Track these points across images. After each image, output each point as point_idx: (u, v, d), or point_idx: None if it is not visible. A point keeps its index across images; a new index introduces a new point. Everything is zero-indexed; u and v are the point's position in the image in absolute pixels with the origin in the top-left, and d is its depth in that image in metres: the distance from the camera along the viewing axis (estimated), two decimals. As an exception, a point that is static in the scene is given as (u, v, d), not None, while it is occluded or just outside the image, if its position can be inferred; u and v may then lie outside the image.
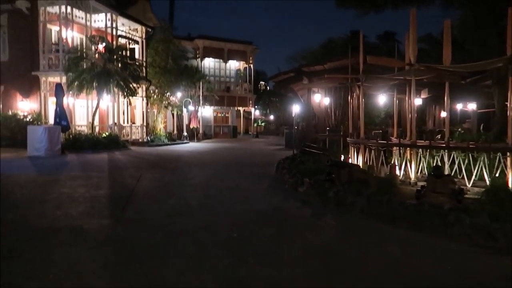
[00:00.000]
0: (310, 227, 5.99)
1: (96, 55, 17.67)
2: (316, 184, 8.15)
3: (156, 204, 7.28)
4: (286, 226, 6.01)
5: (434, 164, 8.81)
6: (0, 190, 7.95)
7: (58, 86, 15.85)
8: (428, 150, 8.97)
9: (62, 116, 15.75)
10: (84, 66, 16.97)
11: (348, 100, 12.37)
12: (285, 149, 21.06)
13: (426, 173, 9.01)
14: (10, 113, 18.04)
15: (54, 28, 18.82)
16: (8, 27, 18.60)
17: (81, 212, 6.51)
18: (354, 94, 13.26)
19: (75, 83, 16.40)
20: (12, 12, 18.36)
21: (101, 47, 17.92)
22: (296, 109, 17.17)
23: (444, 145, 8.54)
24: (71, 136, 17.09)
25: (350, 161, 10.57)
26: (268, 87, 61.68)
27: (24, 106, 18.50)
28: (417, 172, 8.96)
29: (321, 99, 15.99)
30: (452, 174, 8.27)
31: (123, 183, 9.47)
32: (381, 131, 13.64)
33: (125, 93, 17.87)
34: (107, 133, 18.32)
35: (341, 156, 12.14)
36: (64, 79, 17.43)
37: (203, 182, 9.75)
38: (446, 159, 8.74)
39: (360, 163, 10.15)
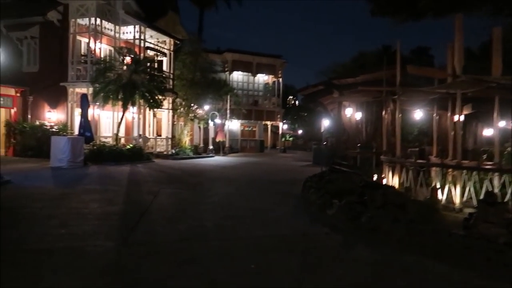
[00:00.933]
0: (340, 259, 5.16)
1: (124, 67, 17.55)
2: (347, 207, 7.32)
3: (170, 224, 6.65)
4: (313, 256, 5.22)
5: (482, 188, 7.80)
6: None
7: (84, 96, 15.76)
8: (475, 172, 7.95)
9: (86, 127, 15.61)
10: (110, 78, 16.84)
11: (381, 115, 11.47)
12: (313, 166, 20.18)
13: (472, 198, 7.99)
14: (37, 123, 18.15)
15: (84, 40, 18.95)
16: (39, 39, 18.87)
17: (86, 231, 5.96)
18: (388, 108, 12.33)
19: (101, 94, 16.27)
20: (43, 24, 18.62)
21: (128, 58, 17.83)
22: (325, 124, 16.36)
23: (494, 167, 7.52)
24: (95, 147, 16.92)
25: (384, 181, 9.63)
26: (297, 102, 61.07)
27: (51, 116, 18.59)
28: (462, 197, 7.95)
29: (352, 113, 15.11)
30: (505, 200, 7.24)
31: (139, 199, 8.93)
32: (417, 149, 12.62)
33: (150, 105, 17.61)
34: (131, 145, 18.07)
35: (373, 176, 11.21)
36: (91, 90, 17.38)
37: (223, 200, 9.09)
38: (496, 183, 7.71)
39: (396, 184, 9.21)
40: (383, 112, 10.82)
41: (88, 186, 10.45)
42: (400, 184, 9.15)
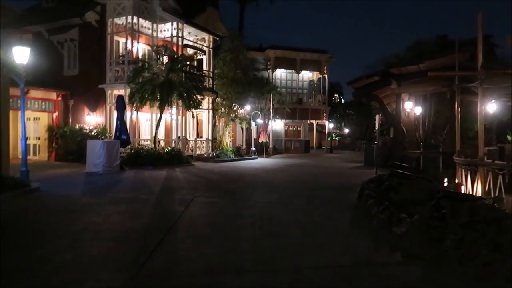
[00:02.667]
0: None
1: (162, 66, 16.71)
2: (421, 225, 5.70)
3: (197, 246, 5.38)
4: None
5: None
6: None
7: (119, 98, 15.06)
8: None
9: (123, 130, 14.88)
10: (147, 78, 16.06)
11: (452, 109, 9.62)
12: (364, 167, 18.33)
13: None
14: (77, 127, 17.80)
15: (122, 40, 18.40)
16: (79, 41, 18.57)
17: (96, 256, 4.85)
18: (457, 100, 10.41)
19: (137, 95, 15.50)
20: (82, 25, 18.28)
21: (165, 57, 17.00)
22: (378, 120, 14.54)
23: None
24: (132, 151, 16.22)
25: (462, 189, 7.83)
26: (342, 100, 58.49)
27: (90, 119, 18.19)
28: None
29: (412, 108, 13.19)
30: None
31: (168, 211, 7.79)
32: (496, 147, 10.58)
33: (188, 105, 16.64)
34: (169, 148, 17.22)
35: (443, 181, 9.38)
36: (128, 91, 16.72)
37: (264, 212, 7.72)
38: None
39: (479, 192, 7.40)
40: (455, 104, 8.95)
41: (117, 195, 9.51)
42: (485, 192, 7.33)
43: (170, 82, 15.84)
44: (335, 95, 55.45)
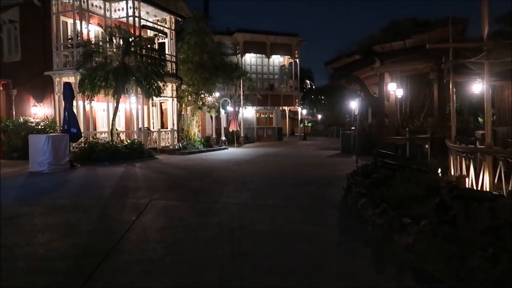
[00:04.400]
0: None
1: (116, 49, 14.83)
2: (433, 234, 4.47)
3: (142, 279, 3.93)
4: None
5: None
6: None
7: (66, 86, 13.14)
8: None
9: (72, 122, 13.02)
10: (99, 62, 14.18)
11: (440, 90, 8.54)
12: (342, 155, 17.25)
13: None
14: (21, 120, 15.71)
15: (70, 21, 16.33)
16: (20, 22, 16.32)
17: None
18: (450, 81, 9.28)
19: (87, 82, 13.62)
20: (23, 5, 16.05)
21: (120, 40, 15.10)
22: (355, 105, 13.41)
23: None
24: (86, 145, 14.40)
25: (466, 182, 6.69)
26: (313, 86, 57.56)
27: (37, 111, 16.15)
28: None
29: (394, 90, 12.08)
30: None
31: (114, 222, 6.24)
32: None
33: (148, 93, 14.89)
34: (129, 141, 15.47)
35: (437, 171, 8.27)
36: (79, 78, 14.78)
37: (235, 218, 6.32)
38: None
39: (486, 186, 6.27)
40: (446, 85, 7.81)
41: (56, 201, 7.85)
42: (493, 185, 6.21)
43: (125, 67, 14.04)
44: (306, 81, 54.50)
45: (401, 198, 6.26)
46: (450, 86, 7.73)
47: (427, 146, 11.04)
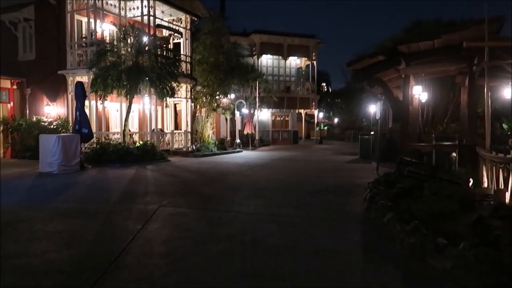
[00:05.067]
0: None
1: (130, 48, 14.50)
2: (476, 259, 3.87)
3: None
4: None
5: None
6: None
7: (78, 85, 12.87)
8: None
9: (83, 122, 12.73)
10: (112, 62, 13.88)
11: (472, 94, 7.86)
12: (360, 161, 16.58)
13: None
14: (34, 119, 15.55)
15: (84, 20, 16.10)
16: (35, 21, 16.19)
17: None
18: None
19: (99, 81, 13.32)
20: (37, 3, 15.90)
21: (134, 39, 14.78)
22: (375, 109, 12.76)
23: None
24: (98, 146, 14.11)
25: (507, 197, 6.02)
26: (330, 89, 56.64)
27: (50, 110, 15.98)
28: None
29: (420, 94, 11.39)
30: None
31: (119, 231, 5.79)
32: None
33: (161, 93, 14.52)
34: (141, 142, 15.13)
35: (468, 182, 7.60)
36: (92, 77, 14.52)
37: (248, 230, 5.80)
38: None
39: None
40: (485, 89, 7.14)
41: (62, 205, 7.48)
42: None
43: (138, 66, 13.69)
44: (323, 84, 53.70)
45: (433, 213, 5.65)
46: (485, 90, 7.07)
47: (454, 154, 10.35)
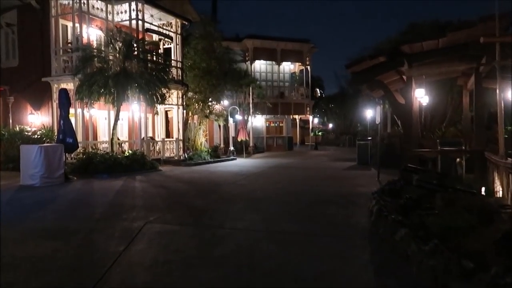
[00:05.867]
0: None
1: (117, 53, 13.87)
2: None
3: None
4: None
5: None
6: None
7: (62, 92, 12.19)
8: None
9: (68, 131, 12.05)
10: (98, 67, 13.23)
11: (479, 97, 7.35)
12: (359, 168, 16.03)
13: None
14: (17, 128, 14.82)
15: (69, 24, 15.46)
16: (17, 26, 15.51)
17: None
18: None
19: (84, 88, 12.65)
20: (21, 8, 15.25)
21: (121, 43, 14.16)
22: (374, 113, 12.24)
23: None
24: (84, 156, 13.41)
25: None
26: (323, 94, 56.29)
27: (34, 119, 15.25)
28: None
29: (422, 97, 10.88)
30: None
31: (99, 253, 5.11)
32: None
33: (150, 100, 13.88)
34: (130, 151, 14.46)
35: (481, 191, 7.05)
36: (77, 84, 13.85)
37: (243, 251, 5.16)
38: None
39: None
40: (497, 88, 6.62)
41: (38, 223, 6.78)
42: None
43: (126, 72, 13.05)
44: (316, 89, 53.36)
45: (448, 227, 5.06)
46: (497, 91, 6.55)
47: (458, 159, 9.82)
